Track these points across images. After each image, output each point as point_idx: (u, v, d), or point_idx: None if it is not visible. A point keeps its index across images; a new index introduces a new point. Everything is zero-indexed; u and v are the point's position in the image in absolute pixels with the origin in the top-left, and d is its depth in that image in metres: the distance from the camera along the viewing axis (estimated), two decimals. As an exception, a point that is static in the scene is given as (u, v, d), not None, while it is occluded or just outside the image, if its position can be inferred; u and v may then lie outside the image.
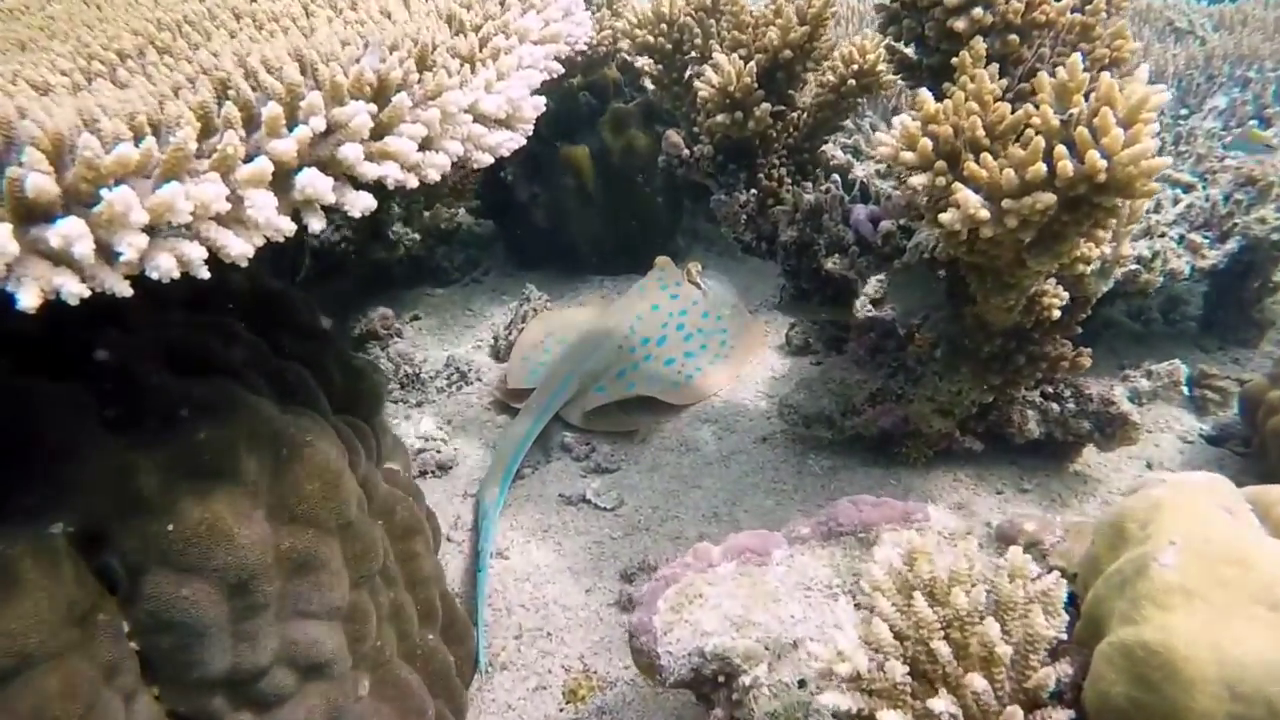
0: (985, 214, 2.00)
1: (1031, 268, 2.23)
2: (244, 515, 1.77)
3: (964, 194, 2.01)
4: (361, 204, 1.57)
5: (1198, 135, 3.78)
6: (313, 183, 1.47)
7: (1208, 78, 4.02)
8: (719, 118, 2.95)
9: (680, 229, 5.68)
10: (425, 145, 1.71)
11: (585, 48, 2.76)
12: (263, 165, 1.42)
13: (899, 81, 2.89)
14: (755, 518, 3.35)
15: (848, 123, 4.60)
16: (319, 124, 1.50)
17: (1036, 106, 2.06)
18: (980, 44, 2.28)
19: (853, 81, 3.19)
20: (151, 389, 1.79)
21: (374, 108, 1.61)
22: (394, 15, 2.14)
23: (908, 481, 3.45)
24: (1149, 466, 3.53)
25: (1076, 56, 1.98)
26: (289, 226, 1.46)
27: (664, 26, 3.27)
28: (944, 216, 2.06)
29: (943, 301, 3.12)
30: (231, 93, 1.55)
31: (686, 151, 3.35)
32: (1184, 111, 3.99)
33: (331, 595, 1.92)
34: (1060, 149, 1.93)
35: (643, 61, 3.31)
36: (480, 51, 1.97)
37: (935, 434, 3.35)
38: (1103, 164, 1.86)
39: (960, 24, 2.30)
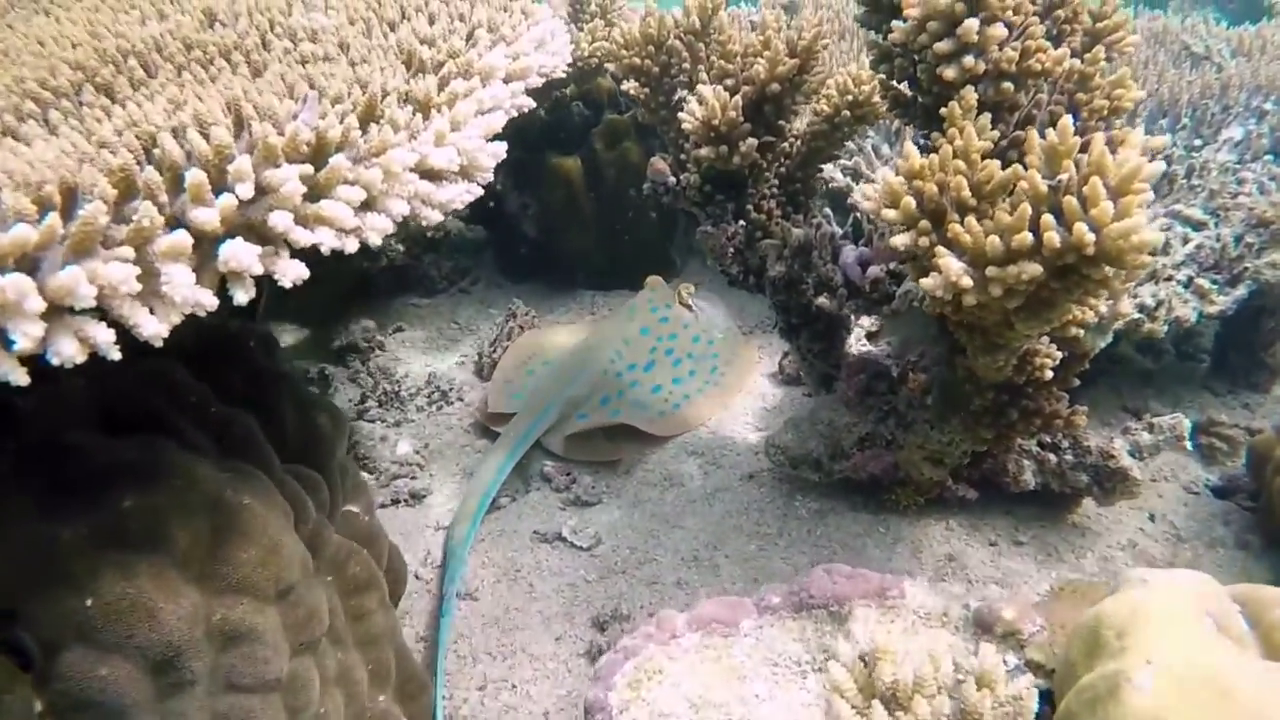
0: (968, 281, 1.93)
1: (1020, 331, 2.16)
2: (171, 588, 1.72)
3: (946, 260, 1.94)
4: (294, 273, 1.52)
5: (1211, 169, 3.69)
6: (236, 255, 1.41)
7: (1223, 108, 3.93)
8: (703, 150, 2.88)
9: (674, 244, 5.61)
10: (367, 206, 1.65)
11: (567, 70, 2.69)
12: (179, 239, 1.36)
13: (902, 122, 2.82)
14: (736, 564, 3.30)
15: (849, 143, 4.55)
16: (246, 191, 1.45)
17: (1025, 167, 1.98)
18: (970, 94, 2.21)
19: (847, 112, 3.12)
20: (76, 452, 1.74)
21: (309, 170, 1.56)
22: (351, 49, 2.08)
23: (897, 529, 3.39)
24: (1151, 518, 3.46)
25: (1067, 120, 1.91)
26: (210, 301, 1.41)
27: (651, 49, 3.20)
28: (926, 282, 1.99)
29: (937, 342, 3.06)
30: (158, 152, 1.49)
31: (673, 179, 3.29)
32: (1197, 142, 3.90)
33: (267, 667, 1.87)
34: (1047, 218, 1.86)
35: (629, 85, 3.24)
36: (437, 96, 1.91)
37: (926, 481, 3.28)
38: (1090, 237, 1.79)
39: (950, 72, 2.23)
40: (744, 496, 3.68)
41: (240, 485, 1.91)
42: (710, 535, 3.47)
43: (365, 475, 4.03)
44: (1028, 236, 1.87)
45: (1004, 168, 2.00)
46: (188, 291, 1.35)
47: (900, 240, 2.06)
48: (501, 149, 2.02)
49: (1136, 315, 3.20)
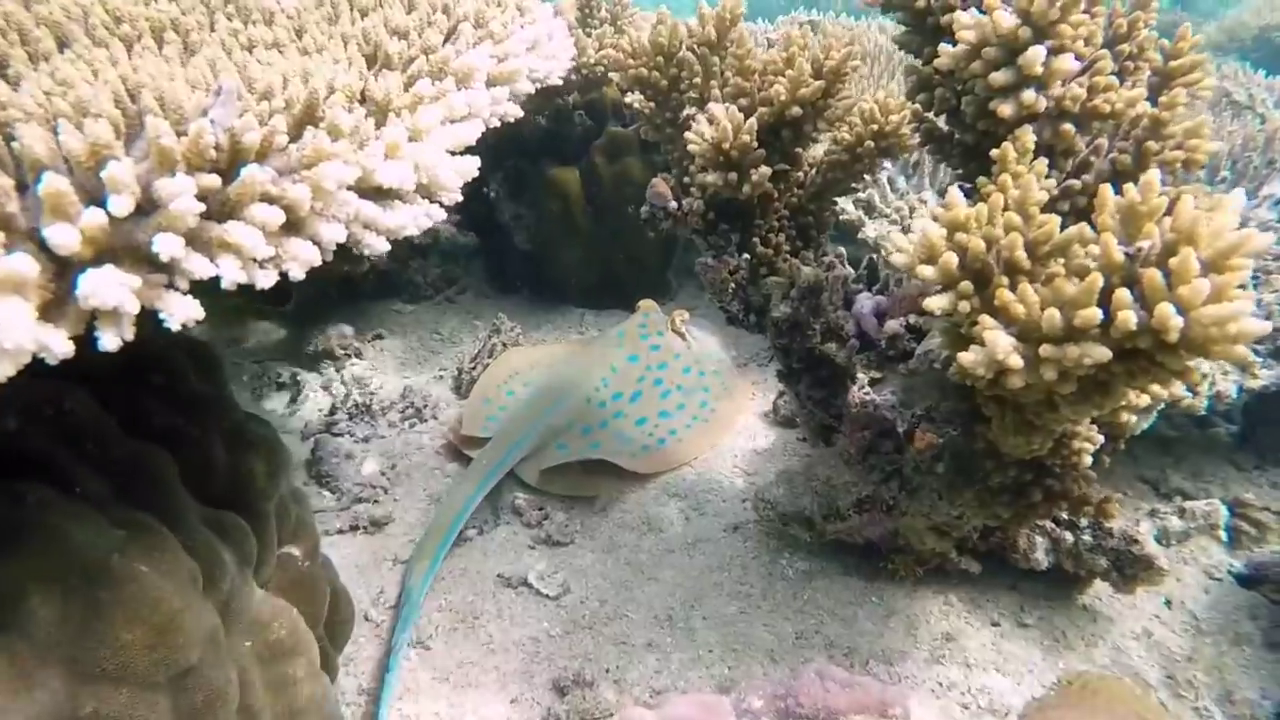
0: (1018, 361, 1.58)
1: (1064, 415, 1.81)
2: (24, 678, 1.36)
3: (993, 334, 1.59)
4: (183, 313, 1.16)
5: (1252, 227, 3.35)
6: (97, 290, 1.05)
7: (1268, 161, 3.60)
8: (710, 176, 2.53)
9: (671, 267, 5.27)
10: (290, 229, 1.29)
11: (570, 76, 2.34)
12: (14, 267, 1.00)
13: (924, 153, 2.47)
14: (714, 628, 2.94)
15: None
16: (122, 206, 1.09)
17: (1094, 227, 1.64)
18: (1028, 135, 1.86)
19: (871, 143, 2.78)
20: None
21: (215, 182, 1.20)
22: (307, 35, 1.72)
23: (891, 600, 3.04)
24: (1168, 604, 3.11)
25: (1154, 173, 1.56)
26: (60, 348, 1.05)
27: (661, 60, 2.85)
28: (965, 357, 1.64)
29: (952, 398, 2.71)
30: (16, 145, 1.13)
31: (674, 204, 2.94)
32: (1238, 201, 3.57)
33: (145, 771, 1.51)
34: (1122, 293, 1.51)
35: (634, 97, 2.89)
36: (398, 98, 1.56)
37: (928, 552, 2.94)
38: (1176, 322, 1.44)
39: (1006, 109, 1.88)
40: (727, 549, 3.33)
41: (134, 547, 1.55)
42: (688, 591, 3.11)
43: (326, 495, 3.68)
44: (1095, 314, 1.52)
45: (1058, 224, 1.65)
46: (22, 336, 0.99)
47: (938, 304, 1.71)
48: (473, 165, 1.67)
49: (1179, 390, 2.86)
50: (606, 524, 3.53)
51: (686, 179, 2.89)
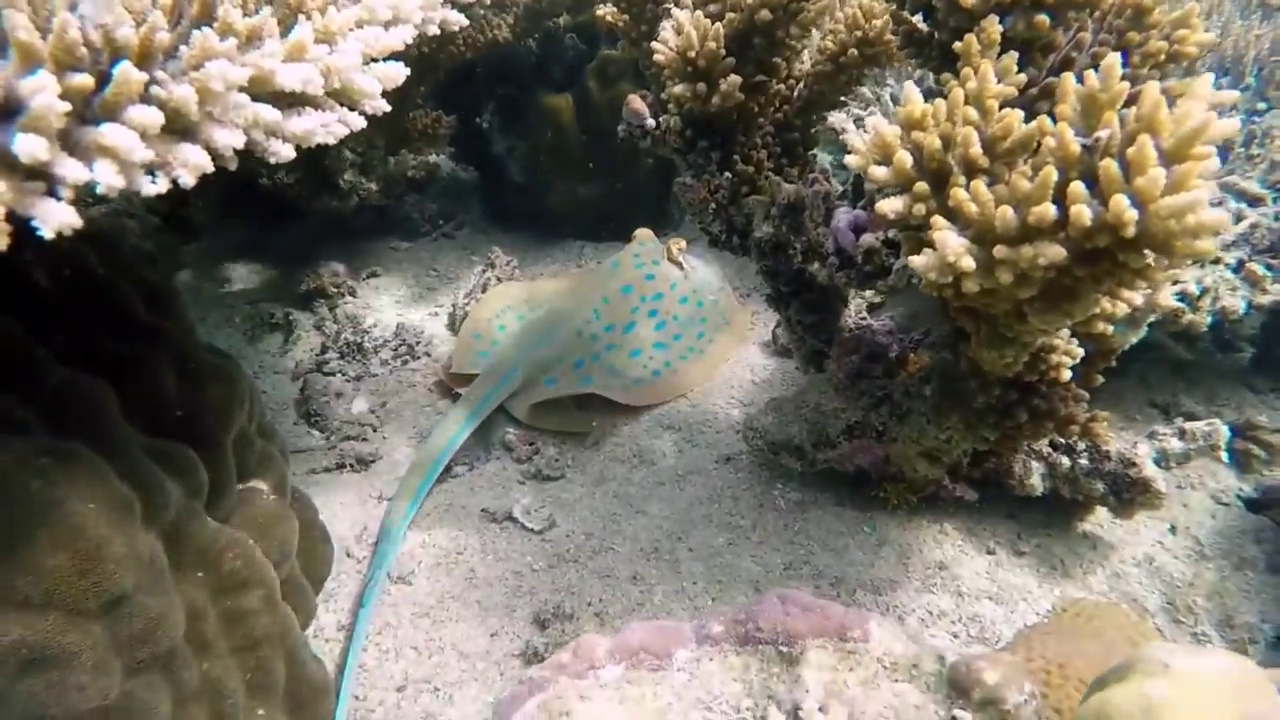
0: (969, 263, 1.51)
1: (1034, 325, 1.74)
2: (-54, 604, 1.39)
3: (943, 235, 1.52)
4: (57, 220, 1.13)
5: (1275, 136, 3.20)
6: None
7: (1299, 66, 3.41)
8: (678, 87, 2.44)
9: (672, 195, 5.16)
10: (180, 134, 1.26)
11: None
12: None
13: (905, 59, 2.36)
14: (700, 560, 2.94)
15: (864, 90, 4.06)
16: (-26, 106, 1.06)
17: (1054, 120, 1.55)
18: (994, 26, 1.76)
19: (855, 51, 2.67)
20: None
21: (86, 81, 1.16)
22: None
23: (884, 530, 3.01)
24: (1172, 531, 3.05)
25: (1114, 58, 1.46)
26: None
27: (633, -32, 2.74)
28: (917, 260, 1.57)
29: (945, 321, 2.64)
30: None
31: (651, 121, 2.85)
32: (1261, 106, 3.39)
33: (81, 695, 1.54)
34: (1077, 186, 1.43)
35: (606, 10, 2.79)
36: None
37: (920, 479, 2.89)
38: (1132, 214, 1.36)
39: (971, -3, 1.78)
40: (718, 481, 3.31)
41: (58, 474, 1.56)
42: (676, 524, 3.11)
43: (315, 433, 3.71)
44: (1049, 210, 1.44)
45: (1030, 121, 1.56)
46: None
47: (891, 206, 1.64)
48: (398, 72, 1.61)
49: (1176, 304, 2.75)
50: (598, 457, 3.52)
51: (664, 95, 2.80)
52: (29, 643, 1.47)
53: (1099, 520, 3.01)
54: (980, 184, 1.51)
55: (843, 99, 2.88)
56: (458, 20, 1.96)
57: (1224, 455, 2.69)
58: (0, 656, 1.45)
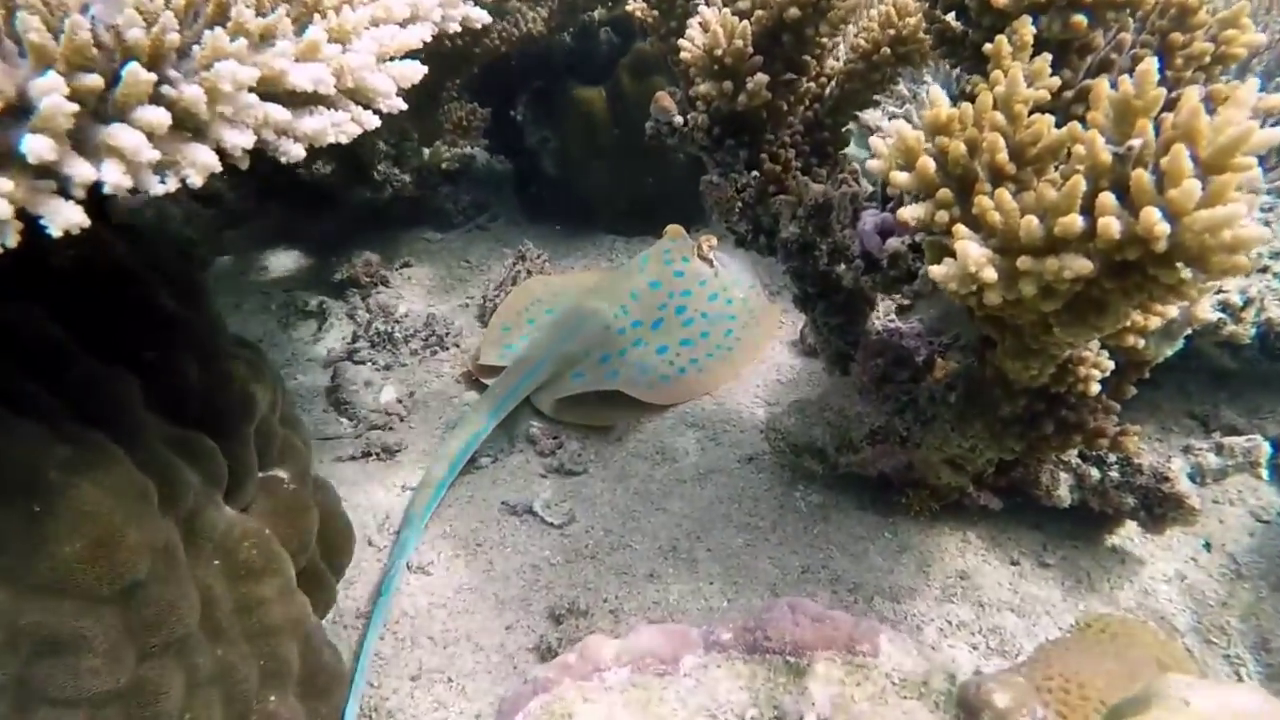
0: (991, 274, 1.46)
1: (1061, 338, 1.69)
2: (-38, 587, 1.41)
3: (964, 244, 1.47)
4: (64, 219, 1.14)
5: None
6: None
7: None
8: (703, 86, 2.40)
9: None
10: (192, 134, 1.25)
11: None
12: None
13: (939, 58, 2.30)
14: (717, 560, 2.91)
15: (901, 87, 3.98)
16: (-16, 105, 1.06)
17: (1087, 126, 1.49)
18: (1027, 27, 1.69)
19: (888, 49, 2.60)
20: None
21: (97, 82, 1.16)
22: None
23: (906, 536, 2.95)
24: (1207, 547, 2.95)
25: (1150, 62, 1.40)
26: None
27: (664, -37, 2.70)
28: (936, 270, 1.53)
29: (973, 326, 2.57)
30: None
31: (679, 118, 2.81)
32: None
33: (95, 680, 1.56)
34: (1106, 196, 1.37)
35: (635, 5, 2.76)
36: (326, -3, 1.49)
37: (944, 486, 2.83)
38: (1164, 228, 1.30)
39: (1002, -3, 1.72)
40: (740, 481, 3.27)
41: (77, 463, 1.58)
42: (695, 522, 3.08)
43: (344, 422, 3.74)
44: (1076, 220, 1.39)
45: (1049, 124, 1.51)
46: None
47: (913, 213, 1.59)
48: (414, 70, 1.60)
49: (1216, 316, 2.65)
50: (620, 453, 3.51)
51: (690, 93, 2.76)
52: (45, 626, 1.50)
53: (1129, 534, 2.93)
54: (1005, 192, 1.46)
55: (876, 98, 2.81)
56: (480, 17, 1.95)
57: (1264, 473, 2.58)
58: (17, 639, 1.47)
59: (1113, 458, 2.64)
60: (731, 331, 4.01)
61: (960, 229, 1.50)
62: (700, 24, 2.32)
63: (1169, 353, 2.16)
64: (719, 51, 2.29)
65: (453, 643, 2.68)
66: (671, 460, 3.44)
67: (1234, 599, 2.78)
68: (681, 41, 2.37)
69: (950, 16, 2.14)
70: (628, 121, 4.61)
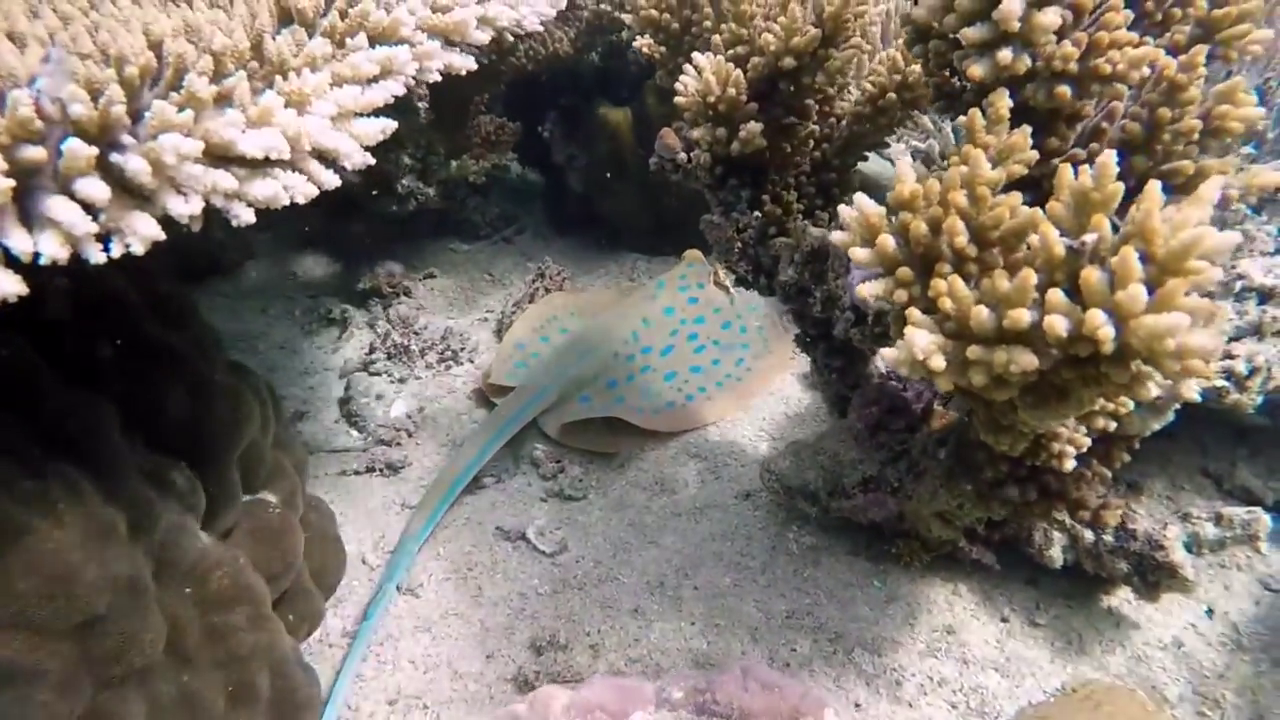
0: (939, 362, 1.42)
1: (1027, 420, 1.64)
2: (-80, 621, 1.47)
3: (911, 331, 1.44)
4: (3, 289, 1.17)
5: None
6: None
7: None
8: (696, 131, 2.39)
9: (728, 214, 5.08)
10: (140, 201, 1.28)
11: (545, 19, 2.25)
12: None
13: (934, 111, 2.25)
14: (702, 600, 2.89)
15: (925, 119, 3.90)
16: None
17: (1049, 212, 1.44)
18: (1002, 101, 1.65)
19: (894, 95, 2.56)
20: None
21: (39, 153, 1.19)
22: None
23: (895, 585, 2.90)
24: (1209, 614, 2.84)
25: (1109, 156, 1.35)
26: None
27: (672, 1, 2.69)
28: (887, 353, 1.49)
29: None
30: None
31: (683, 155, 2.80)
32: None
33: (47, 711, 1.61)
34: (1055, 294, 1.33)
35: (643, 41, 2.75)
36: (292, 60, 1.51)
37: (935, 539, 2.78)
38: (1108, 332, 1.26)
39: (977, 70, 1.66)
40: (734, 517, 3.25)
41: (40, 498, 1.63)
42: (685, 558, 3.07)
43: (353, 434, 3.80)
44: (1024, 315, 1.35)
45: (1011, 208, 1.46)
46: None
47: (871, 290, 1.56)
48: (377, 128, 1.61)
49: (1220, 384, 2.55)
50: (620, 481, 3.51)
51: (685, 135, 2.75)
52: (1, 659, 1.55)
53: (1126, 595, 2.84)
54: (958, 279, 1.42)
55: (880, 142, 2.76)
56: (465, 64, 1.96)
57: (1263, 546, 2.48)
58: (-29, 672, 1.53)
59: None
60: (743, 361, 3.98)
61: (913, 313, 1.47)
62: (696, 69, 2.30)
63: (1157, 426, 2.08)
64: (712, 99, 2.27)
65: (433, 668, 2.71)
66: (670, 492, 3.43)
67: (1232, 671, 2.68)
68: (677, 85, 2.36)
69: (946, 72, 2.09)
70: (652, 142, 4.59)
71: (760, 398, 3.91)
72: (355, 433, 3.81)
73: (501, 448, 3.49)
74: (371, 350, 4.29)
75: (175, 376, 2.14)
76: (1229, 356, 2.57)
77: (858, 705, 2.51)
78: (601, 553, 3.12)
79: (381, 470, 3.55)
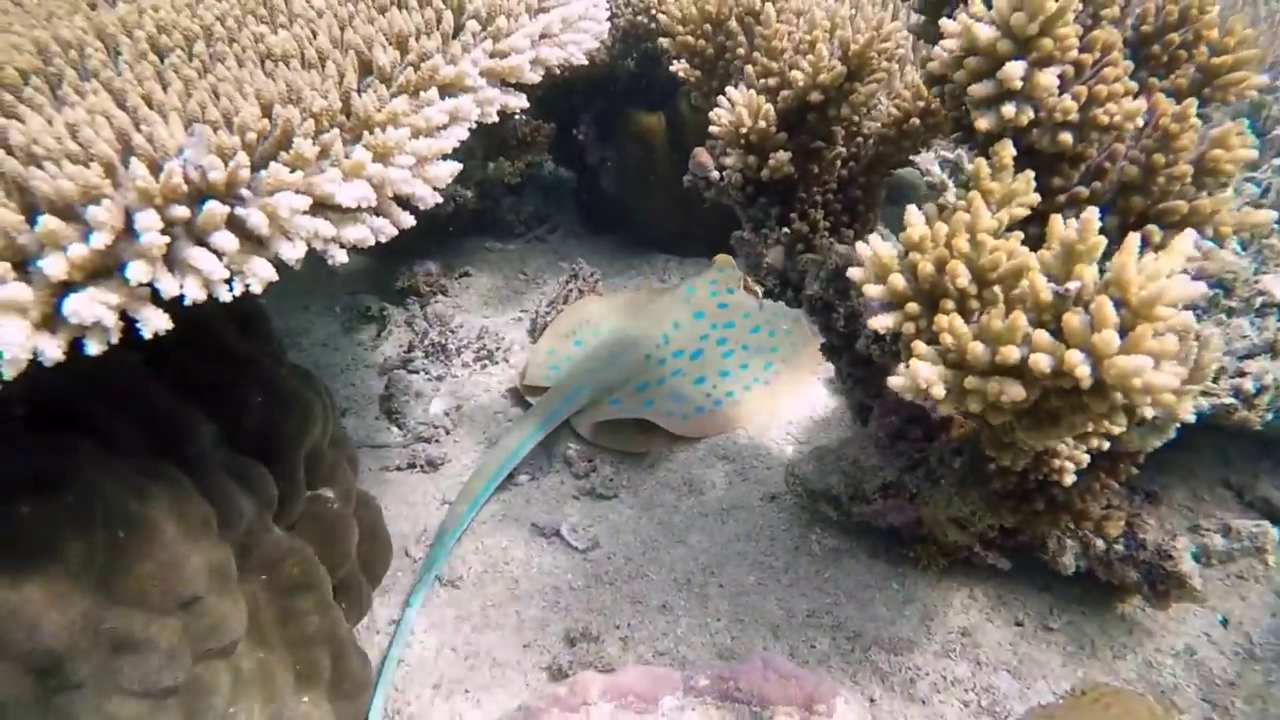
0: (940, 391, 1.71)
1: (1025, 440, 1.91)
2: (59, 598, 1.80)
3: (915, 364, 1.72)
4: (155, 324, 1.49)
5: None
6: (78, 310, 1.39)
7: None
8: (729, 159, 2.67)
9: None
10: (257, 246, 1.60)
11: (589, 53, 2.54)
12: (10, 292, 1.35)
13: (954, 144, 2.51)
14: (727, 597, 3.19)
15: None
16: (100, 240, 1.42)
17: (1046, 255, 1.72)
18: (1006, 149, 1.92)
19: (917, 120, 2.82)
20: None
21: (185, 212, 1.51)
22: (312, 46, 2.00)
23: (912, 588, 3.18)
24: (1223, 623, 3.09)
25: (1091, 213, 1.62)
26: (54, 354, 1.41)
27: (708, 28, 2.96)
28: (894, 380, 1.78)
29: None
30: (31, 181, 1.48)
31: (715, 174, 3.08)
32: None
33: (160, 675, 1.94)
34: (1040, 334, 1.61)
35: (679, 66, 3.03)
36: (376, 115, 1.82)
37: (951, 544, 3.05)
38: (1085, 371, 1.53)
39: (984, 123, 1.94)
40: (760, 518, 3.54)
41: (150, 496, 1.96)
42: (712, 557, 3.37)
43: (394, 431, 4.13)
44: (1013, 352, 1.63)
45: (1009, 252, 1.74)
46: (17, 347, 1.35)
47: (882, 323, 1.85)
48: (447, 171, 1.92)
49: (1229, 401, 2.80)
50: (650, 481, 3.81)
51: (719, 161, 3.03)
52: (120, 631, 1.88)
53: (1140, 604, 3.09)
54: (957, 317, 1.70)
55: (906, 161, 3.03)
56: (519, 104, 2.25)
57: (1271, 559, 2.72)
58: (100, 640, 1.86)
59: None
60: (771, 365, 4.25)
61: (918, 345, 1.75)
62: (729, 102, 2.58)
63: (1157, 444, 2.34)
64: (744, 130, 2.55)
65: (473, 656, 3.03)
66: (698, 492, 3.73)
67: (1243, 680, 2.92)
68: (711, 115, 2.64)
69: (962, 109, 2.35)
70: (685, 148, 4.85)
71: (789, 402, 4.18)
72: (395, 430, 4.14)
73: (536, 447, 3.80)
74: (410, 348, 4.63)
75: (253, 383, 2.47)
76: (1240, 374, 2.81)
77: (872, 700, 2.80)
78: (632, 550, 3.43)
79: (422, 466, 3.88)
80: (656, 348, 4.19)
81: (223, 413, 2.35)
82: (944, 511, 2.90)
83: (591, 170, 5.32)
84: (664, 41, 3.11)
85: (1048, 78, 1.85)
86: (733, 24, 2.93)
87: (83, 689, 1.86)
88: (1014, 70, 1.84)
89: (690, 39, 2.98)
